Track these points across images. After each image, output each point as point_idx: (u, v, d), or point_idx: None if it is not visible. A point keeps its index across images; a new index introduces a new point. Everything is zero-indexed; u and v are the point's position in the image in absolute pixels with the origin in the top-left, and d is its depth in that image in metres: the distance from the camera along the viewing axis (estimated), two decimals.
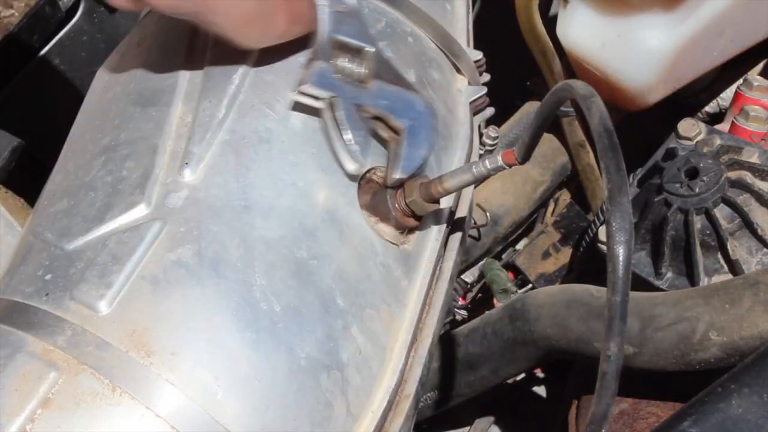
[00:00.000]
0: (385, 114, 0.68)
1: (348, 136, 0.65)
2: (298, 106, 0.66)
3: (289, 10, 0.64)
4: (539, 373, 1.36)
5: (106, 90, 0.72)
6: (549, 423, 1.10)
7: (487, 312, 1.10)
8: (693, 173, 1.01)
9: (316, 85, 0.64)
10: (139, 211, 0.60)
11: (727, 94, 1.28)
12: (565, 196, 1.42)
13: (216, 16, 0.61)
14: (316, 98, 0.65)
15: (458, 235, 0.76)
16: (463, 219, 0.78)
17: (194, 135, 0.64)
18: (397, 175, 0.67)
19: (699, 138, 1.08)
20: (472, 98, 0.83)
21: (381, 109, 0.67)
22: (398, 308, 0.68)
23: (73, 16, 1.22)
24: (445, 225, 0.75)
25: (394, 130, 0.69)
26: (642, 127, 1.27)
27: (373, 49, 0.68)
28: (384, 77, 0.69)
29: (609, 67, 1.16)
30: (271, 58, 0.68)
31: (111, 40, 1.23)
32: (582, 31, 1.17)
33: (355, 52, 0.68)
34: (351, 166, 0.66)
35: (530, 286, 1.32)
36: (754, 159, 1.01)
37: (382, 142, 0.69)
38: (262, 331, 0.58)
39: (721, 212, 0.98)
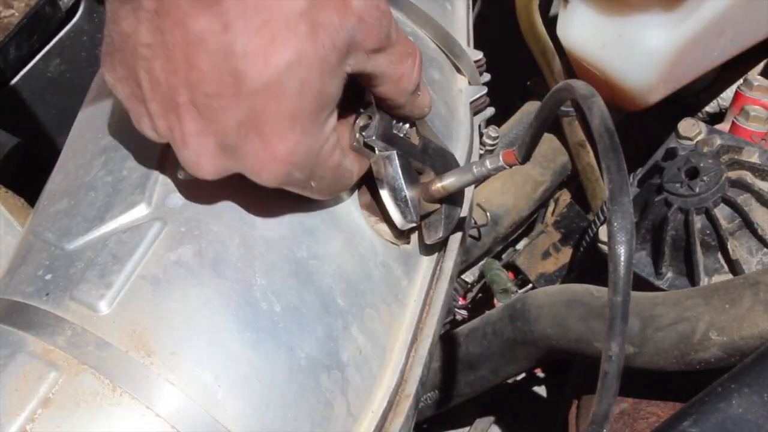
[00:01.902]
0: (428, 171, 0.67)
1: (403, 191, 0.64)
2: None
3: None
4: (539, 373, 1.36)
5: (107, 89, 0.72)
6: (549, 423, 1.10)
7: (487, 312, 1.09)
8: (693, 173, 1.01)
9: (379, 138, 0.62)
10: (140, 211, 0.60)
11: (727, 94, 1.28)
12: (565, 196, 1.42)
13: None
14: (374, 150, 0.63)
15: (458, 235, 0.76)
16: (463, 219, 0.78)
17: None
18: (440, 234, 0.68)
19: (699, 138, 1.08)
20: (473, 98, 0.83)
21: (427, 165, 0.67)
22: (398, 308, 0.68)
23: (73, 16, 1.21)
24: None
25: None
26: (642, 127, 1.27)
27: None
28: (425, 134, 0.68)
29: (609, 67, 1.17)
30: None
31: None
32: (582, 31, 1.17)
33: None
34: (402, 222, 0.65)
35: (530, 286, 1.32)
36: (755, 159, 1.01)
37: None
38: (262, 331, 0.57)
39: (722, 212, 0.98)
